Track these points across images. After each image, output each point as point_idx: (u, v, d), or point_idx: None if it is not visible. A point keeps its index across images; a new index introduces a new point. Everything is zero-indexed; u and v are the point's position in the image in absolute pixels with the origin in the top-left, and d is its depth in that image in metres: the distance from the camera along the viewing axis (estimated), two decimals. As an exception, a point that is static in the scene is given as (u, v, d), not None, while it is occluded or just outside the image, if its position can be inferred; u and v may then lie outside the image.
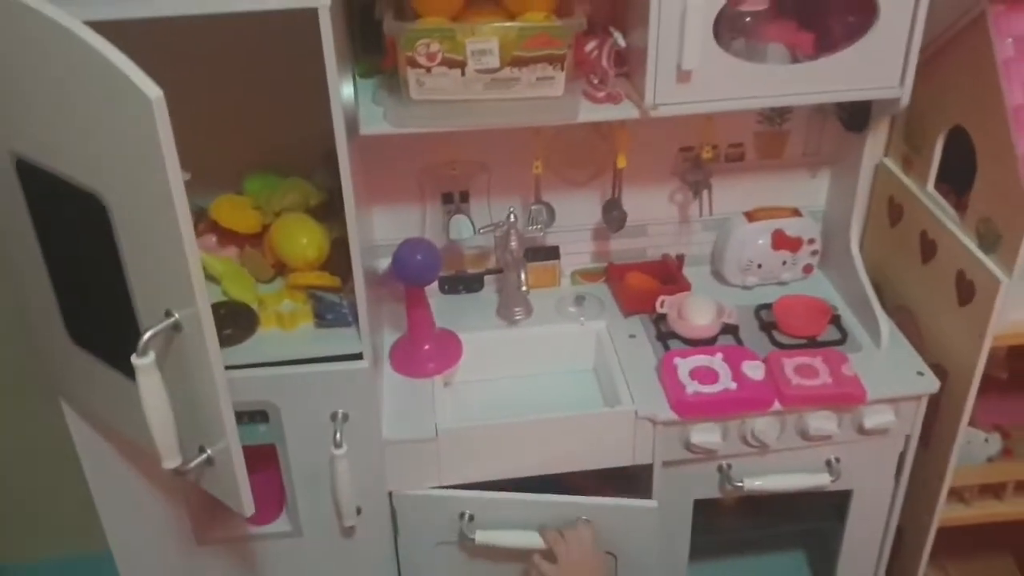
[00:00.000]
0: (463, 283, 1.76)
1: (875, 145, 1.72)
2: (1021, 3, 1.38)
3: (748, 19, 1.41)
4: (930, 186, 1.61)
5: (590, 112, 1.42)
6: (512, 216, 1.60)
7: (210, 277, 1.47)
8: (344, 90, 1.19)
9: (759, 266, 1.72)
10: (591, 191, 1.70)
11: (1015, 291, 1.42)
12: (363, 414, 1.37)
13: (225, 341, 1.34)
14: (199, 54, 1.39)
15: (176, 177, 0.90)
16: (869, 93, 1.47)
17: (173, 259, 0.94)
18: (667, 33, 1.33)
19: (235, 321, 1.38)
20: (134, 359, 0.99)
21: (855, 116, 1.60)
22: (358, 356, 1.34)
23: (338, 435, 1.34)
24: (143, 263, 1.01)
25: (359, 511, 1.46)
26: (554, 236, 1.75)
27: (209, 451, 1.09)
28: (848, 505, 1.65)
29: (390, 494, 1.49)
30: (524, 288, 1.62)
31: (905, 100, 1.45)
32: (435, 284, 1.74)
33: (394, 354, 1.60)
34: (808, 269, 1.75)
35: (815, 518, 1.75)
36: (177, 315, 0.99)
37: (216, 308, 1.37)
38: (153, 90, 0.86)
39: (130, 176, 0.95)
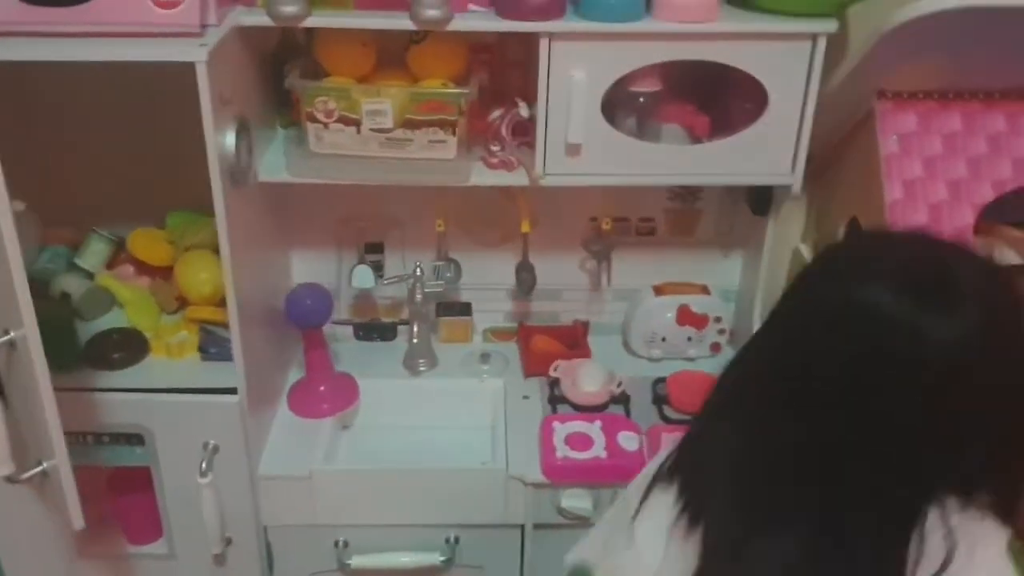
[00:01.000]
0: (377, 331, 1.81)
1: (790, 232, 1.75)
2: (907, 102, 1.42)
3: (641, 99, 1.46)
4: (831, 275, 1.63)
5: (483, 176, 1.48)
6: (418, 270, 1.66)
7: (118, 303, 1.54)
8: (227, 140, 1.27)
9: (663, 339, 1.75)
10: (506, 252, 1.75)
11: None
12: (233, 447, 1.43)
13: (112, 364, 1.44)
14: (130, 94, 1.50)
15: (4, 206, 0.97)
16: (761, 179, 1.51)
17: (5, 282, 1.01)
18: (556, 108, 1.39)
19: (126, 346, 1.45)
20: None
21: (758, 200, 1.63)
22: (232, 391, 1.40)
23: (204, 464, 1.39)
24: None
25: (229, 541, 1.50)
26: (468, 293, 1.80)
27: (44, 465, 1.14)
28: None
29: (265, 528, 1.53)
30: (415, 340, 1.66)
31: (796, 187, 1.49)
32: (350, 329, 1.80)
33: (291, 394, 1.65)
34: (716, 348, 1.78)
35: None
36: (12, 334, 1.06)
37: (110, 333, 1.47)
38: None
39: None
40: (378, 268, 1.73)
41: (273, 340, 1.58)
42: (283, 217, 1.65)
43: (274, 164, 1.48)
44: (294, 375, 1.69)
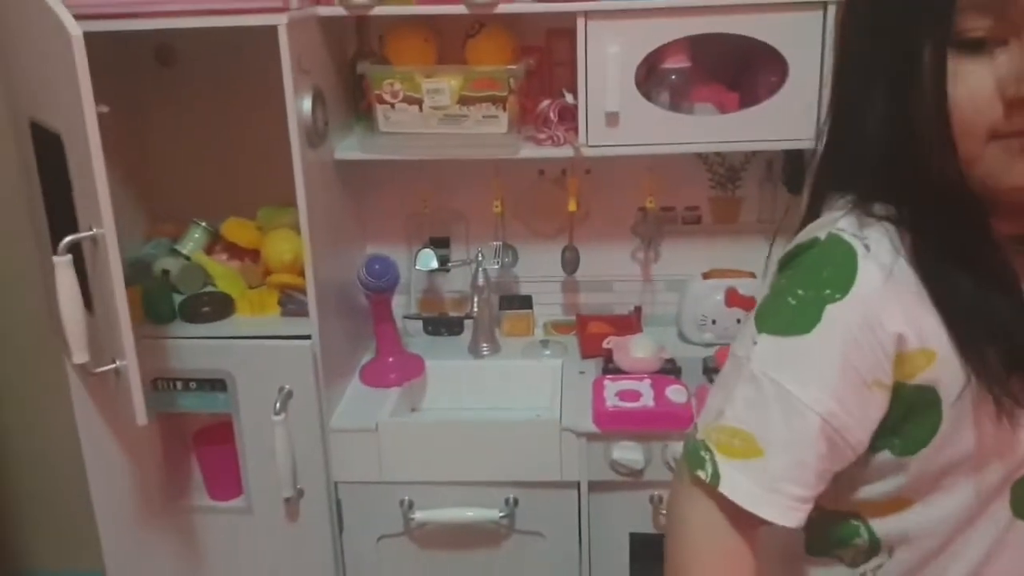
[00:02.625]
0: (444, 325, 1.94)
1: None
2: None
3: (673, 76, 1.61)
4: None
5: (532, 151, 1.64)
6: (479, 255, 1.81)
7: (211, 280, 1.73)
8: (305, 104, 1.47)
9: (713, 322, 1.83)
10: (559, 245, 1.88)
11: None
12: (307, 394, 1.56)
13: (203, 317, 1.62)
14: (228, 101, 1.76)
15: (90, 108, 1.17)
16: (788, 144, 1.63)
17: (90, 184, 1.20)
18: (594, 80, 1.56)
19: (214, 303, 1.63)
20: (54, 257, 1.24)
21: (792, 177, 1.74)
22: (307, 337, 1.54)
23: (278, 404, 1.53)
24: (80, 187, 1.26)
25: (302, 493, 1.61)
26: (527, 286, 1.93)
27: (117, 363, 1.30)
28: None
29: (336, 485, 1.63)
30: (474, 311, 1.79)
31: (820, 151, 1.59)
32: (420, 325, 1.94)
33: (363, 369, 1.78)
34: (765, 330, 1.84)
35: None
36: (94, 230, 1.24)
37: (201, 296, 1.65)
38: (75, 29, 1.14)
39: (70, 112, 1.21)
40: (444, 261, 1.88)
41: (345, 313, 1.72)
42: (356, 211, 1.83)
43: (349, 147, 1.68)
44: (367, 358, 1.82)
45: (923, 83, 0.70)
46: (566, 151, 1.63)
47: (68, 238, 1.24)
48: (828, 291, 0.72)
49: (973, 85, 0.69)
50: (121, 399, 1.33)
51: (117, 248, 1.23)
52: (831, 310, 0.72)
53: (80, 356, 1.29)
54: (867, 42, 0.76)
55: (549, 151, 1.64)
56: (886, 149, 0.75)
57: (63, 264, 1.24)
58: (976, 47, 0.69)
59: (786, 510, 0.73)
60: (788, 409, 0.72)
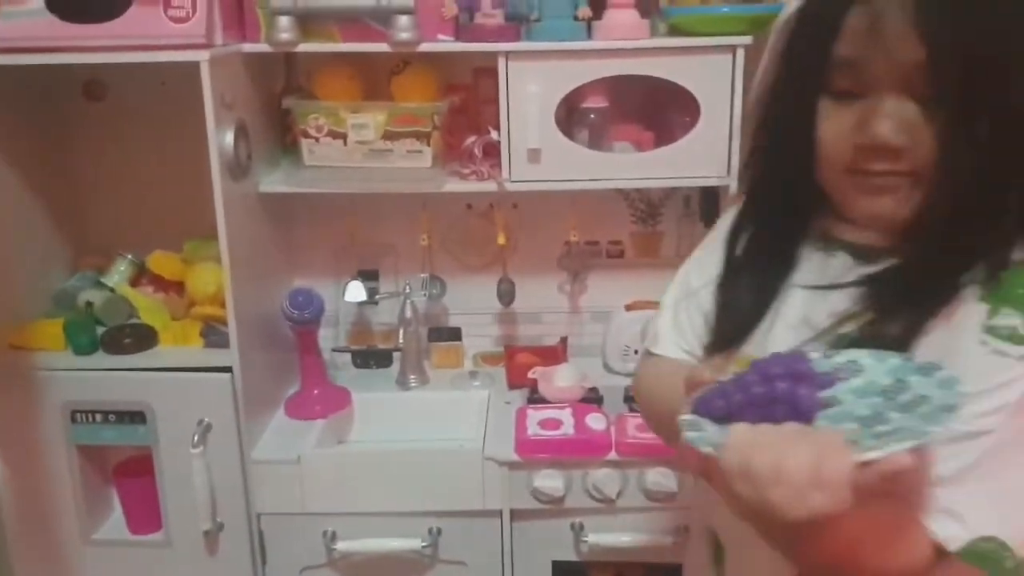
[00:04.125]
0: (373, 357, 1.96)
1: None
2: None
3: (592, 115, 1.67)
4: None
5: (457, 185, 1.68)
6: (407, 287, 1.84)
7: (135, 311, 1.73)
8: (227, 138, 1.50)
9: (636, 352, 1.87)
10: (490, 276, 1.91)
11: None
12: (227, 427, 1.56)
13: (124, 348, 1.62)
14: (153, 138, 1.78)
15: None
16: (701, 180, 1.68)
17: None
18: (516, 118, 1.60)
19: (136, 334, 1.63)
20: None
21: (709, 212, 1.80)
22: (227, 369, 1.55)
23: (196, 437, 1.53)
24: None
25: (221, 527, 1.60)
26: (456, 318, 1.96)
27: None
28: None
29: (258, 516, 1.63)
30: (400, 343, 1.81)
31: (733, 187, 1.66)
32: (348, 357, 1.96)
33: (288, 402, 1.79)
34: (686, 361, 1.89)
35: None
36: None
37: (124, 326, 1.66)
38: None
39: None
40: (372, 293, 1.90)
41: (270, 346, 1.73)
42: (283, 245, 1.85)
43: (274, 180, 1.70)
44: (292, 390, 1.83)
45: (800, 122, 0.83)
46: (490, 186, 1.67)
47: None
48: None
49: (833, 128, 0.82)
50: None
51: None
52: None
53: None
54: (770, 92, 0.92)
55: (474, 185, 1.68)
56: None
57: None
58: (842, 97, 0.81)
59: None
60: None
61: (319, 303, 1.71)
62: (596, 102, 1.66)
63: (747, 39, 1.56)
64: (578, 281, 1.91)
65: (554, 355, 1.92)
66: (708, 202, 1.80)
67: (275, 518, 1.63)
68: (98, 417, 1.56)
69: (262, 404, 1.69)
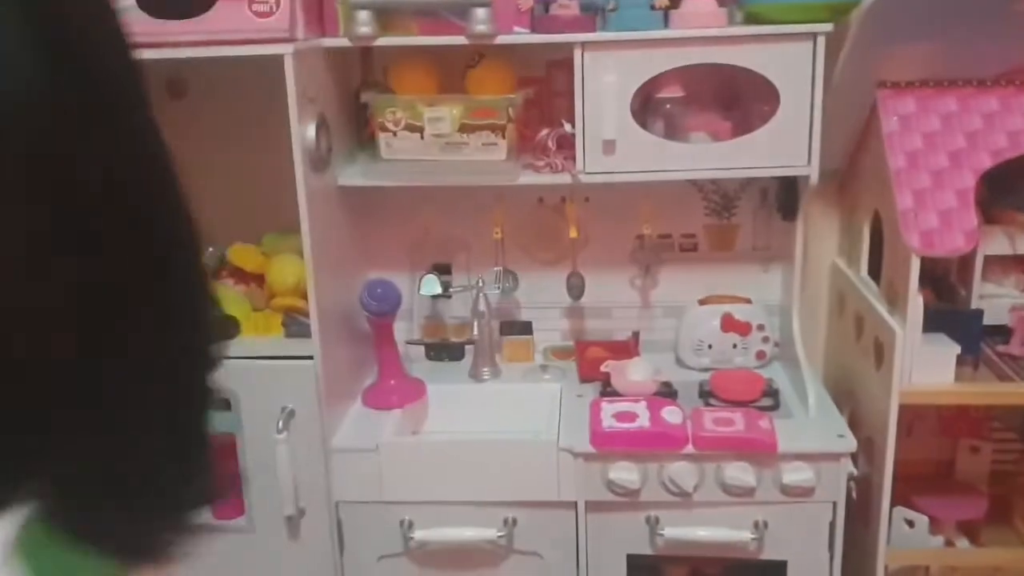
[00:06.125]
0: (446, 350, 1.98)
1: (825, 247, 1.89)
2: (906, 90, 1.58)
3: (668, 105, 1.66)
4: (863, 271, 1.74)
5: (531, 178, 1.69)
6: (480, 281, 1.85)
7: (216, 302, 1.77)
8: (309, 131, 1.52)
9: (710, 347, 1.85)
10: (561, 271, 1.92)
11: (920, 352, 1.51)
12: (309, 413, 1.59)
13: (207, 340, 1.64)
14: (239, 134, 1.82)
15: None
16: (781, 171, 1.66)
17: None
18: (591, 108, 1.61)
19: (219, 325, 1.66)
20: None
21: (786, 204, 1.78)
22: (309, 358, 1.58)
23: (280, 423, 1.56)
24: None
25: (303, 512, 1.63)
26: (527, 312, 1.97)
27: None
28: (786, 579, 1.65)
29: (336, 504, 1.65)
30: (474, 334, 1.82)
31: (814, 178, 1.63)
32: (422, 350, 1.98)
33: (365, 392, 1.81)
34: (761, 355, 1.87)
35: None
36: None
37: (207, 317, 1.68)
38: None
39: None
40: (446, 288, 1.92)
41: (348, 338, 1.76)
42: (360, 238, 1.87)
43: (352, 174, 1.73)
44: (369, 381, 1.85)
45: None
46: (564, 178, 1.67)
47: None
48: None
49: None
50: None
51: None
52: None
53: None
54: None
55: (547, 178, 1.68)
56: None
57: None
58: None
59: None
60: None
61: (397, 294, 1.73)
62: (672, 92, 1.66)
63: (828, 26, 1.54)
64: (650, 275, 1.91)
65: (626, 350, 1.91)
66: (786, 194, 1.78)
67: (353, 506, 1.65)
68: (183, 405, 1.60)
69: (342, 393, 1.71)
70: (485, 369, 1.89)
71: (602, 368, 1.79)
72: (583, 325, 1.98)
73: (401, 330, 1.93)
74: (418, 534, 1.63)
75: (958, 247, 1.46)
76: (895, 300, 1.54)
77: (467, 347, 1.96)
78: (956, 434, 1.83)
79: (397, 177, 1.69)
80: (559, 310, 1.97)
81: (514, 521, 1.64)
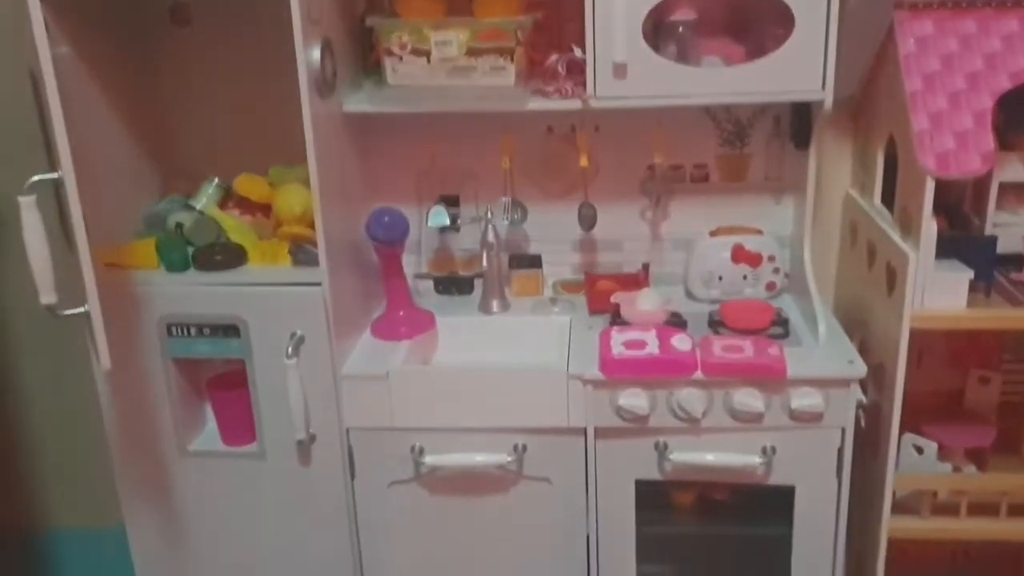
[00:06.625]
0: (455, 284, 1.97)
1: (839, 178, 1.87)
2: (923, 11, 1.54)
3: (680, 28, 1.63)
4: (876, 200, 1.72)
5: (540, 103, 1.66)
6: (489, 212, 1.83)
7: (223, 232, 1.76)
8: (314, 54, 1.50)
9: (720, 278, 1.84)
10: (570, 203, 1.90)
11: (932, 277, 1.50)
12: (318, 340, 1.59)
13: (216, 266, 1.65)
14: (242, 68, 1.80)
15: (44, 50, 1.22)
16: (795, 95, 1.64)
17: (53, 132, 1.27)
18: (602, 31, 1.58)
19: (227, 252, 1.66)
20: (19, 197, 1.30)
21: (799, 132, 1.75)
22: (317, 284, 1.57)
23: (290, 349, 1.56)
24: (51, 131, 1.32)
25: (314, 438, 1.64)
26: (536, 246, 1.96)
27: (85, 307, 1.36)
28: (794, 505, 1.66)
29: (347, 431, 1.66)
30: (483, 265, 1.81)
31: (828, 103, 1.61)
32: (431, 284, 1.97)
33: (374, 324, 1.81)
34: (771, 286, 1.85)
35: (766, 523, 1.75)
36: (59, 173, 1.30)
37: (214, 245, 1.69)
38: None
39: (35, 56, 1.27)
40: (454, 220, 1.90)
41: (355, 268, 1.75)
42: (367, 167, 1.86)
43: (358, 100, 1.71)
44: (378, 314, 1.85)
45: None
46: (574, 104, 1.65)
47: (33, 179, 1.31)
48: None
49: None
50: (90, 339, 1.40)
51: (76, 191, 1.29)
52: None
53: (47, 297, 1.35)
54: None
55: (557, 103, 1.66)
56: None
57: (27, 204, 1.31)
58: None
59: None
60: None
61: (404, 223, 1.72)
62: (684, 15, 1.63)
63: (843, -55, 1.50)
64: (660, 207, 1.89)
65: (635, 282, 1.90)
66: (800, 121, 1.75)
67: (364, 433, 1.66)
68: (193, 331, 1.60)
69: (350, 323, 1.71)
70: (494, 302, 1.88)
71: (612, 299, 1.78)
72: (593, 258, 1.97)
73: (409, 264, 1.92)
74: (429, 460, 1.64)
75: (974, 168, 1.44)
76: (908, 226, 1.52)
77: (476, 281, 1.96)
78: (966, 365, 1.83)
79: (403, 103, 1.67)
80: (568, 243, 1.95)
81: (524, 447, 1.65)
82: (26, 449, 2.26)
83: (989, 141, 1.44)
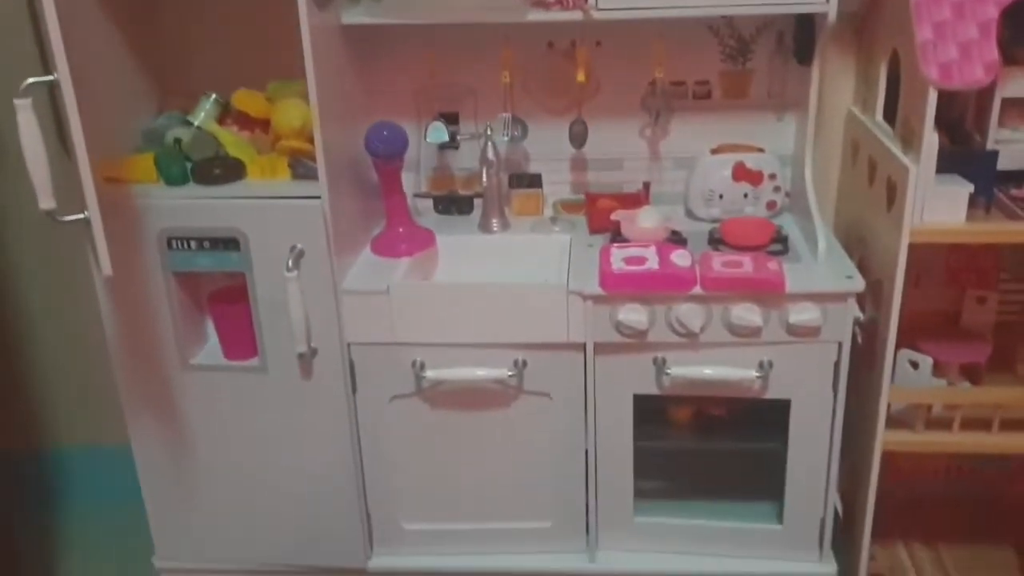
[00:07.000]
0: (454, 203, 1.97)
1: (841, 96, 1.85)
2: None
3: (684, -61, 1.60)
4: (878, 116, 1.71)
5: (540, 15, 1.64)
6: (488, 129, 1.82)
7: (221, 147, 1.75)
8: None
9: (721, 196, 1.84)
10: (568, 121, 1.89)
11: (932, 191, 1.49)
12: (318, 253, 1.59)
13: (215, 179, 1.64)
14: None
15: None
16: (800, 8, 1.62)
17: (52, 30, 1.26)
18: (604, -58, 1.55)
19: (225, 166, 1.66)
20: (14, 100, 1.28)
21: (803, 47, 1.73)
22: (317, 198, 1.57)
23: (290, 262, 1.56)
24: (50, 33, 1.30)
25: (315, 352, 1.65)
26: (536, 164, 1.95)
27: (85, 213, 1.36)
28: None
29: (348, 346, 1.67)
30: (483, 182, 1.81)
31: (832, 15, 1.59)
32: (430, 203, 1.97)
33: (374, 241, 1.81)
34: (772, 205, 1.85)
35: (762, 437, 1.77)
36: (55, 75, 1.29)
37: (213, 159, 1.68)
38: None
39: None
40: (453, 137, 1.89)
41: (355, 185, 1.75)
42: (365, 83, 1.84)
43: (356, 12, 1.68)
44: (378, 231, 1.85)
45: None
46: (575, 15, 1.63)
47: (28, 81, 1.29)
48: None
49: None
50: (91, 245, 1.40)
51: (73, 95, 1.27)
52: None
53: (46, 202, 1.35)
54: None
55: (558, 15, 1.64)
56: None
57: (23, 107, 1.29)
58: None
59: None
60: None
61: (403, 137, 1.71)
62: (688, -75, 1.60)
63: None
64: (660, 124, 1.88)
65: (636, 201, 1.90)
66: (803, 36, 1.73)
67: (365, 347, 1.67)
68: (193, 244, 1.60)
69: (350, 238, 1.71)
70: (494, 221, 1.88)
71: (612, 217, 1.78)
72: (593, 178, 1.96)
73: (408, 182, 1.91)
74: (430, 374, 1.66)
75: (978, 79, 1.43)
76: (910, 139, 1.52)
77: (475, 201, 1.95)
78: (963, 284, 1.84)
79: (401, 14, 1.64)
80: (568, 162, 1.95)
81: (524, 363, 1.66)
82: (30, 367, 2.28)
83: (993, 51, 1.43)
